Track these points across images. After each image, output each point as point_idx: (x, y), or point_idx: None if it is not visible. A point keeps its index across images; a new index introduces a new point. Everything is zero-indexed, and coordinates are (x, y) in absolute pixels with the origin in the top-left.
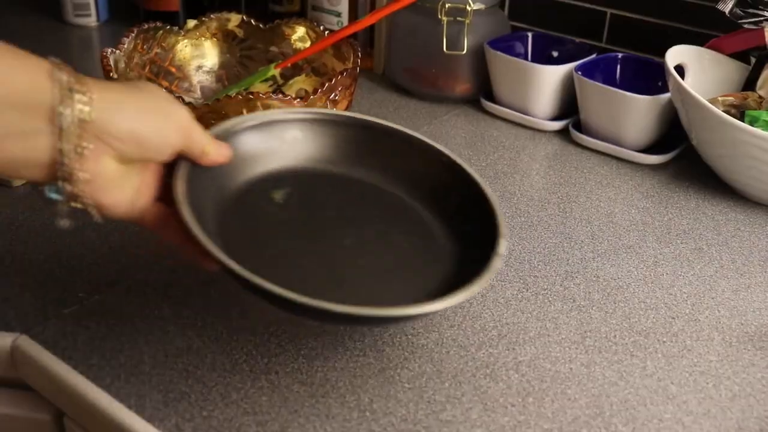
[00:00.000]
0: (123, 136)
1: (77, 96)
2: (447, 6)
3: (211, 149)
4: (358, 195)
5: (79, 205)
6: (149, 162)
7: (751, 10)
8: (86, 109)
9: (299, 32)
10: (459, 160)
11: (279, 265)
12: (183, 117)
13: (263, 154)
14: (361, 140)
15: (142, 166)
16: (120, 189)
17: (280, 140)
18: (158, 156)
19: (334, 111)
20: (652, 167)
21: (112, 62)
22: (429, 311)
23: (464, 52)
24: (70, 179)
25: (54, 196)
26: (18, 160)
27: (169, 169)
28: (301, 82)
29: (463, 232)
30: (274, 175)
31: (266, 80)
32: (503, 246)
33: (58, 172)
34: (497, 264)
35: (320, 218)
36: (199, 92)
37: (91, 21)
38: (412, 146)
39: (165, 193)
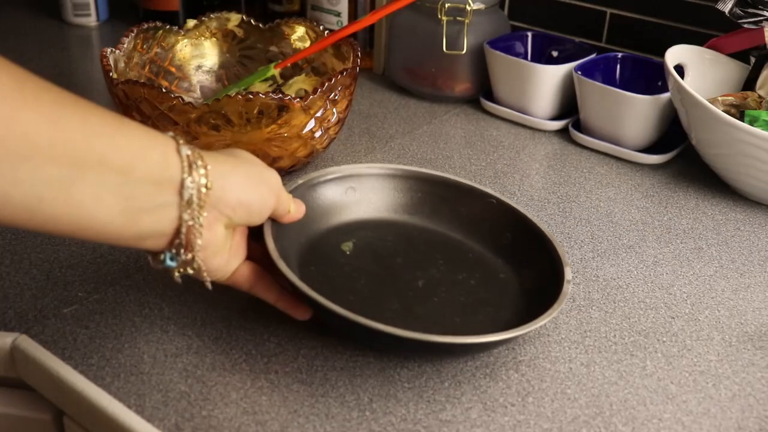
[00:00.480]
0: (235, 204)
1: (200, 169)
2: (447, 6)
3: (293, 207)
4: (422, 241)
5: (190, 271)
6: (247, 225)
7: (750, 10)
8: (204, 180)
9: (299, 32)
10: (510, 201)
11: (364, 308)
12: (275, 181)
13: (333, 208)
14: (421, 190)
15: (233, 228)
16: (222, 253)
17: (345, 195)
18: (259, 219)
19: (395, 165)
20: (652, 167)
21: (111, 62)
22: (518, 334)
23: (464, 51)
24: (188, 247)
25: (170, 263)
26: (146, 232)
27: (251, 229)
28: (300, 82)
29: (521, 264)
30: (343, 227)
31: (266, 80)
32: (569, 273)
33: (176, 240)
34: (568, 289)
35: (390, 264)
36: (198, 92)
37: (91, 20)
38: (466, 193)
39: (250, 252)
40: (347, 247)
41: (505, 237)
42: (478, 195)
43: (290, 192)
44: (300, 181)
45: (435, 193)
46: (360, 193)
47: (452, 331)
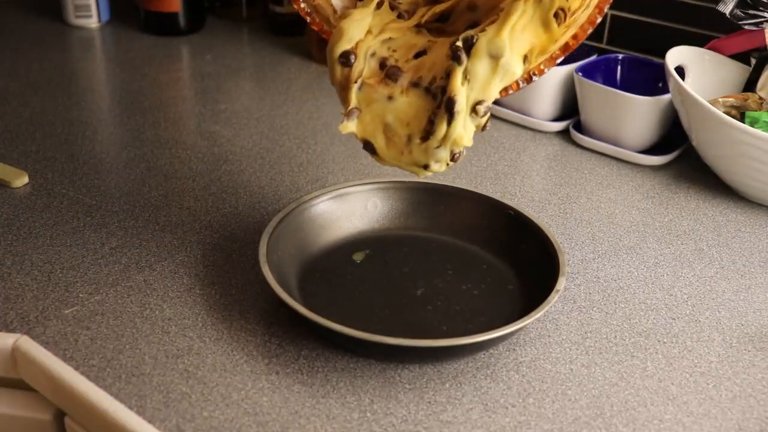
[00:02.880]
0: None
1: None
2: None
3: None
4: (437, 252)
5: None
6: None
7: (751, 11)
8: None
9: None
10: (526, 213)
11: (352, 315)
12: None
13: (353, 220)
14: (443, 203)
15: None
16: None
17: (353, 207)
18: None
19: (419, 179)
20: (653, 168)
21: None
22: (472, 342)
23: None
24: None
25: None
26: None
27: None
28: None
29: (530, 275)
30: (360, 238)
31: None
32: (562, 283)
33: None
34: (553, 298)
35: (396, 274)
36: None
37: (92, 22)
38: (485, 204)
39: None
40: (358, 256)
41: (521, 249)
42: (497, 206)
43: (310, 200)
44: (312, 195)
45: (456, 206)
46: (383, 207)
47: (434, 338)
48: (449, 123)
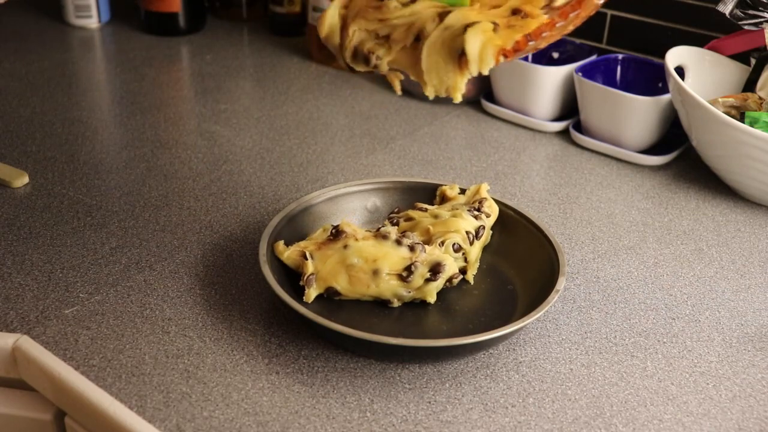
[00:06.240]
0: None
1: None
2: None
3: None
4: None
5: None
6: None
7: (751, 12)
8: None
9: None
10: (527, 213)
11: (352, 315)
12: None
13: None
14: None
15: None
16: None
17: (353, 207)
18: None
19: (420, 178)
20: (653, 168)
21: None
22: (476, 341)
23: None
24: None
25: None
26: None
27: None
28: None
29: (530, 275)
30: None
31: None
32: (561, 283)
33: None
34: (553, 298)
35: None
36: None
37: (93, 22)
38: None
39: None
40: None
41: (521, 249)
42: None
43: (310, 200)
44: (313, 195)
45: None
46: (383, 207)
47: (434, 338)
48: (429, 280)
